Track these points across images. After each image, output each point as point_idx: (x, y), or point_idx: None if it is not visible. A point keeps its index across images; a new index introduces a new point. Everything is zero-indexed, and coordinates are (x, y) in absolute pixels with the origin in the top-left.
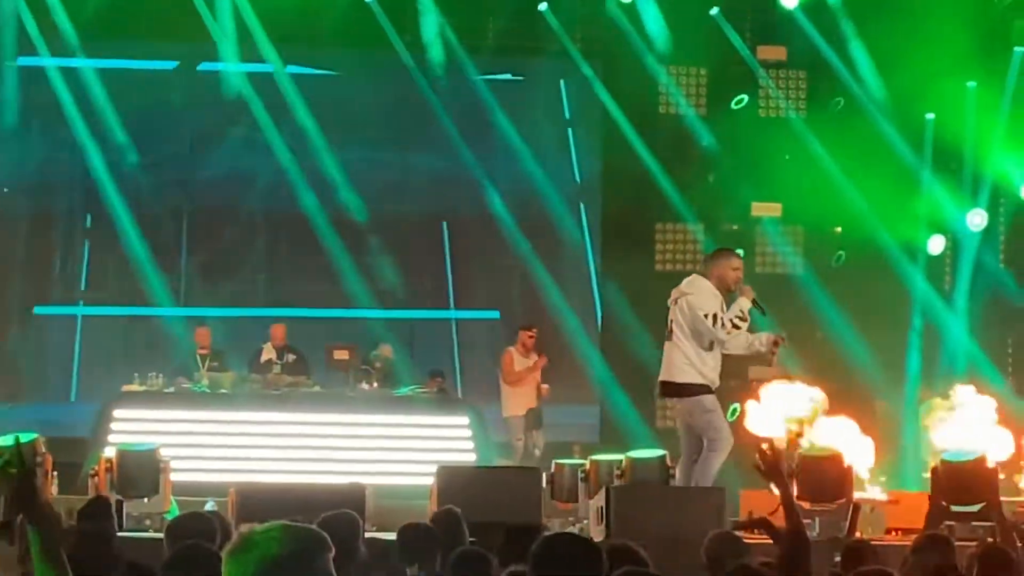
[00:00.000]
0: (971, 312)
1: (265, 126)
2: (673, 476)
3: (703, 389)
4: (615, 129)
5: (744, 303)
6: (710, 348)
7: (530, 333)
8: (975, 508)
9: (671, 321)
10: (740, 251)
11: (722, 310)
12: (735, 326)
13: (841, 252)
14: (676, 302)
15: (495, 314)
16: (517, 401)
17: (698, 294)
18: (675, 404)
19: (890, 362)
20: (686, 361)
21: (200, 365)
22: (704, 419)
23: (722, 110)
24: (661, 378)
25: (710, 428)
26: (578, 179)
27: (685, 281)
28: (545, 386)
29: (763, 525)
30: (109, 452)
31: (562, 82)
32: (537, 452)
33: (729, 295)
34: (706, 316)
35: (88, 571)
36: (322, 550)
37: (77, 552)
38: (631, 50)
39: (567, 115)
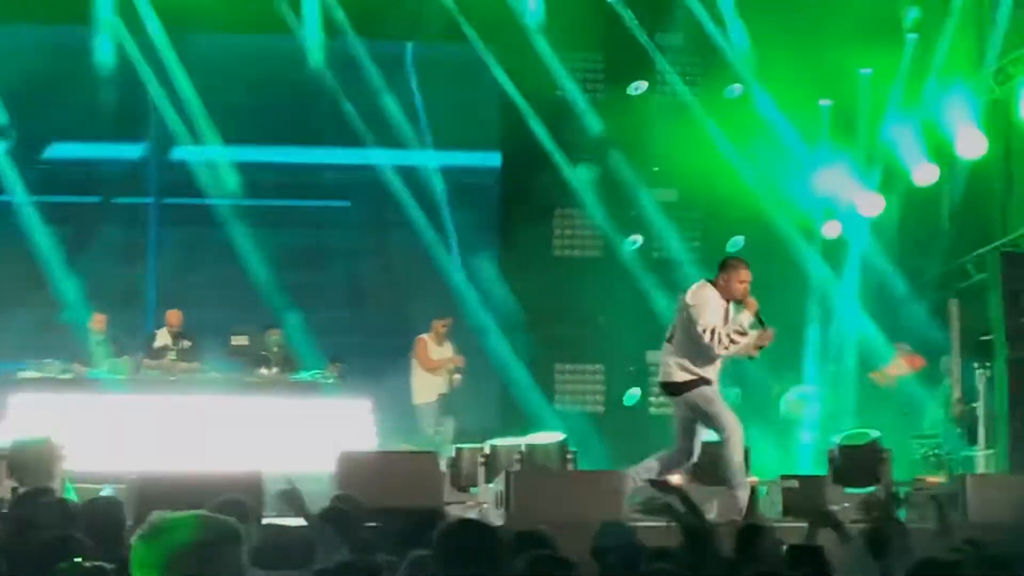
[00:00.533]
0: (864, 295)
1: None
2: (569, 460)
3: (702, 382)
4: (514, 113)
5: (747, 317)
6: (714, 358)
7: (443, 323)
8: (870, 490)
9: (673, 326)
10: (638, 237)
11: (725, 321)
12: (733, 341)
13: (738, 237)
14: (680, 311)
15: None
16: (429, 388)
17: (702, 306)
18: (679, 402)
19: (787, 345)
20: (686, 363)
21: (96, 351)
22: (709, 411)
23: (619, 95)
24: (661, 379)
25: (716, 421)
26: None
27: (691, 290)
28: (458, 376)
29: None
30: (3, 440)
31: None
32: (440, 438)
33: (735, 304)
34: (704, 331)
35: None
36: (234, 542)
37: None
38: (528, 34)
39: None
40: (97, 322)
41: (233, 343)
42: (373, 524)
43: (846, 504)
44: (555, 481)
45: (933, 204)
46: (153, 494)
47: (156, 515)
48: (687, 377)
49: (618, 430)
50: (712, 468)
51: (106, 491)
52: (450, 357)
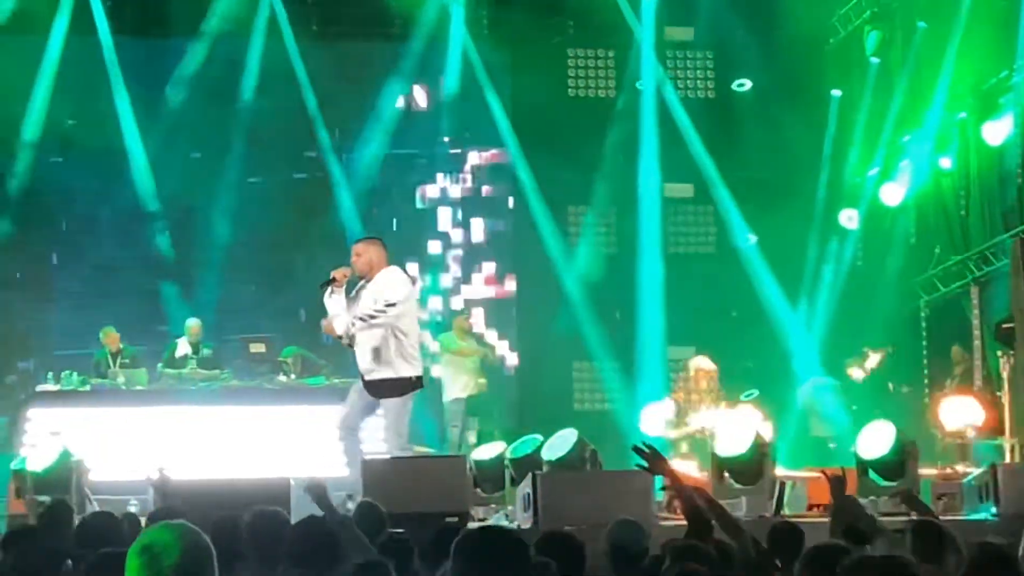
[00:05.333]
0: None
1: None
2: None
3: None
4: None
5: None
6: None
7: (466, 317)
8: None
9: None
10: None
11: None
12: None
13: (752, 235)
14: None
15: None
16: (459, 385)
17: None
18: None
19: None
20: None
21: (112, 363)
22: None
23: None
24: None
25: None
26: None
27: None
28: (483, 381)
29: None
30: (24, 456)
31: None
32: (472, 440)
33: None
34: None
35: None
36: (212, 555)
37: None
38: (542, 35)
39: None
40: (110, 339)
41: (252, 350)
42: (400, 531)
43: (873, 497)
44: (582, 481)
45: (950, 193)
46: (177, 504)
47: (147, 531)
48: None
49: None
50: (740, 466)
51: (132, 505)
52: (476, 348)
